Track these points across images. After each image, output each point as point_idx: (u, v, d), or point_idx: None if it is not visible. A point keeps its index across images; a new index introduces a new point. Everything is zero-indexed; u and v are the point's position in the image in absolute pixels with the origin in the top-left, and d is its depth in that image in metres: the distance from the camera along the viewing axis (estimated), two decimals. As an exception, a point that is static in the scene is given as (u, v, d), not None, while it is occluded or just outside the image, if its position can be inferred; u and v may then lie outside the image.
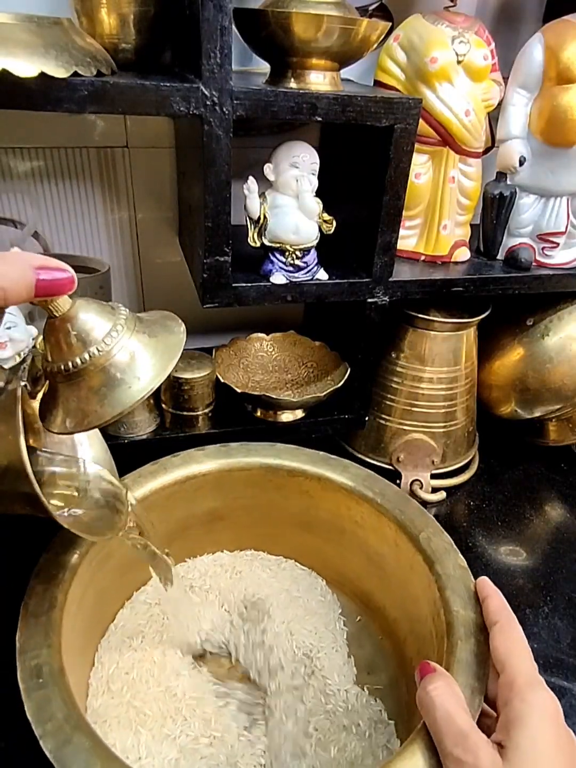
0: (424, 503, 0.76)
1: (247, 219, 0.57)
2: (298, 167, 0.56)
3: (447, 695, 0.34)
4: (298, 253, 0.58)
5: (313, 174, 0.57)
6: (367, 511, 0.53)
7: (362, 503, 0.53)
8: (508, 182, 0.67)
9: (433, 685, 0.35)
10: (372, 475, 0.55)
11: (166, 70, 0.55)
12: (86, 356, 0.32)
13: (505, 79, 0.65)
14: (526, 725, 0.32)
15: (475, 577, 0.45)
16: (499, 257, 0.72)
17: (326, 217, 0.59)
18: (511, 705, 0.34)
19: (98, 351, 0.32)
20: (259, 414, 0.69)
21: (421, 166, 0.65)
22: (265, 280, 0.59)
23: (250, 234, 0.58)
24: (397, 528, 0.50)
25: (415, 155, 0.58)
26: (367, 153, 0.59)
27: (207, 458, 0.55)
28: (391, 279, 0.62)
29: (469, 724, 0.33)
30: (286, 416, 0.69)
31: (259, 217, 0.57)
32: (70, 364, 0.32)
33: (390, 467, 0.78)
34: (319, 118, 0.51)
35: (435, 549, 0.47)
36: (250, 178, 0.55)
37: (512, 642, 0.38)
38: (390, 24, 0.54)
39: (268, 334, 0.76)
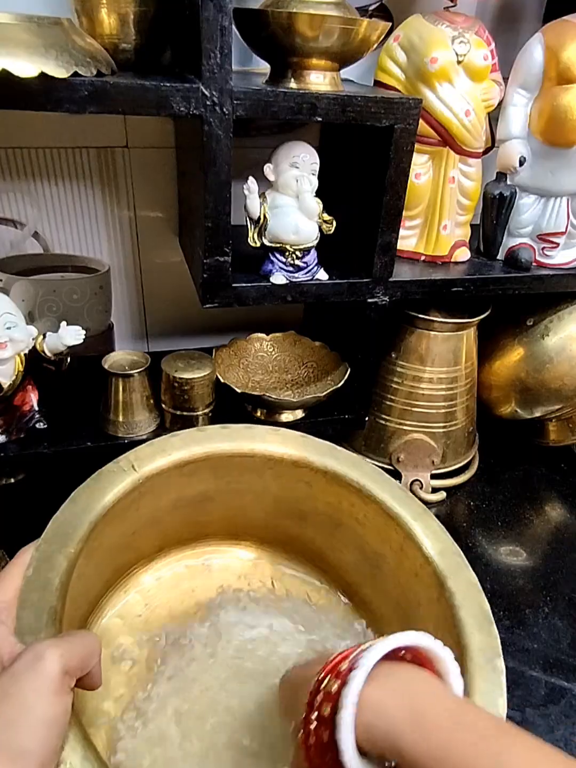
0: (425, 503, 0.76)
1: (247, 219, 0.57)
2: (298, 167, 0.56)
3: None
4: (298, 253, 0.58)
5: (313, 174, 0.57)
6: (373, 510, 0.51)
7: (369, 502, 0.51)
8: (508, 182, 0.67)
9: None
10: (383, 474, 0.53)
11: (166, 70, 0.55)
12: None
13: (505, 79, 0.65)
14: None
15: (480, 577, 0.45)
16: (499, 257, 0.72)
17: (326, 217, 0.59)
18: None
19: None
20: (259, 414, 0.69)
21: (421, 166, 0.65)
22: (265, 280, 0.59)
23: (250, 234, 0.58)
24: (406, 534, 0.49)
25: (415, 155, 0.58)
26: (367, 153, 0.59)
27: (208, 440, 0.52)
28: (391, 279, 0.62)
29: None
30: (286, 416, 0.69)
31: (259, 217, 0.57)
32: None
33: (390, 467, 0.78)
34: (319, 118, 0.51)
35: (448, 564, 0.46)
36: (250, 178, 0.55)
37: None
38: (390, 24, 0.54)
39: (268, 334, 0.76)
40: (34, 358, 0.58)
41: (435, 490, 0.77)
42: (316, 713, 0.31)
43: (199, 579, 0.57)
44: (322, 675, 0.32)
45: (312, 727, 0.31)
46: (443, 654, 0.33)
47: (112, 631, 0.51)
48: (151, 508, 0.51)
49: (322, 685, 0.32)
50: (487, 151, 0.68)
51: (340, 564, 0.57)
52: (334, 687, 0.30)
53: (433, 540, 0.48)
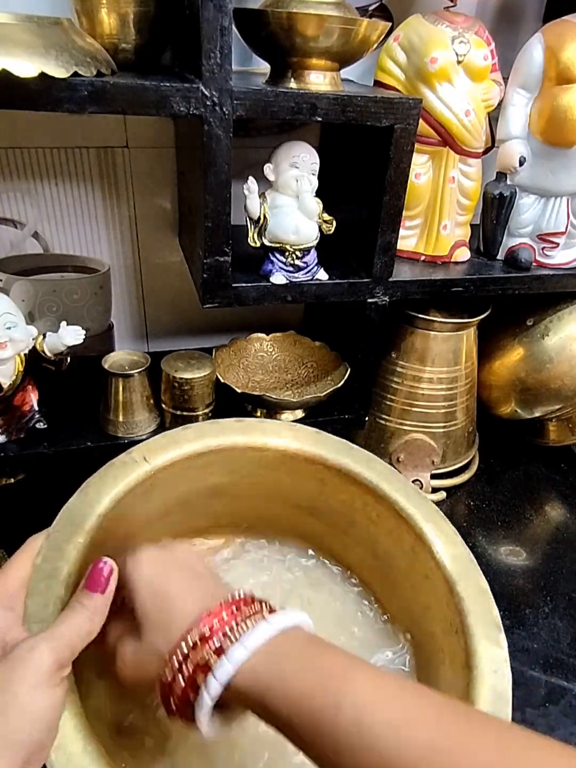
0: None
1: (247, 219, 0.57)
2: (298, 167, 0.56)
3: None
4: (298, 253, 0.58)
5: (313, 174, 0.57)
6: (386, 511, 0.51)
7: (382, 501, 0.51)
8: (508, 182, 0.67)
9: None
10: (396, 473, 0.53)
11: (166, 70, 0.55)
12: None
13: (505, 79, 0.65)
14: None
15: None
16: (499, 257, 0.72)
17: (326, 217, 0.59)
18: None
19: None
20: (259, 414, 0.69)
21: (421, 166, 0.65)
22: (265, 280, 0.59)
23: (250, 234, 0.58)
24: (417, 536, 0.48)
25: (415, 155, 0.58)
26: (367, 153, 0.59)
27: (221, 434, 0.51)
28: (391, 279, 0.62)
29: None
30: (286, 416, 0.69)
31: (259, 217, 0.57)
32: None
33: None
34: (319, 118, 0.51)
35: (459, 570, 0.46)
36: (250, 178, 0.55)
37: None
38: (390, 24, 0.54)
39: (268, 334, 0.76)
40: (34, 358, 0.58)
41: (435, 490, 0.77)
42: (181, 675, 0.32)
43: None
44: (187, 634, 0.33)
45: (175, 679, 0.33)
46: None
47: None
48: (162, 500, 0.51)
49: (192, 649, 0.32)
50: (487, 151, 0.68)
51: (352, 561, 0.57)
52: (211, 660, 0.32)
53: (445, 543, 0.47)
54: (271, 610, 0.35)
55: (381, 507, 0.51)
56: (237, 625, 0.33)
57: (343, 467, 0.52)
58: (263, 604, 0.35)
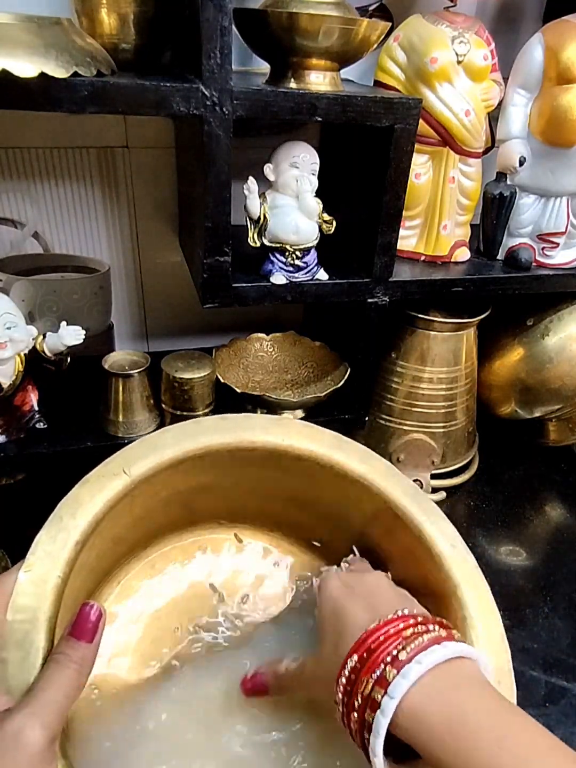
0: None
1: (247, 219, 0.57)
2: (298, 167, 0.56)
3: None
4: (298, 253, 0.58)
5: (313, 174, 0.57)
6: (382, 509, 0.49)
7: (377, 500, 0.49)
8: (508, 182, 0.67)
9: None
10: (392, 468, 0.51)
11: (166, 70, 0.55)
12: None
13: (505, 79, 0.65)
14: None
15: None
16: (499, 257, 0.72)
17: (326, 217, 0.59)
18: None
19: None
20: (258, 414, 0.69)
21: (421, 166, 0.65)
22: (265, 280, 0.59)
23: (250, 234, 0.58)
24: (415, 537, 0.47)
25: (415, 155, 0.58)
26: (367, 153, 0.59)
27: (203, 434, 0.47)
28: (391, 279, 0.62)
29: None
30: (286, 416, 0.69)
31: (259, 217, 0.57)
32: None
33: (390, 467, 0.78)
34: (319, 118, 0.51)
35: (463, 574, 0.44)
36: (250, 178, 0.55)
37: None
38: (390, 24, 0.54)
39: (268, 334, 0.76)
40: (34, 358, 0.58)
41: (435, 490, 0.77)
42: (354, 712, 0.31)
43: (194, 571, 0.55)
44: (352, 659, 0.32)
45: (350, 717, 0.31)
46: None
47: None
48: (145, 508, 0.49)
49: (358, 682, 0.31)
50: (487, 151, 0.68)
51: (341, 553, 0.56)
52: (378, 696, 0.30)
53: (444, 544, 0.46)
54: (445, 627, 0.33)
55: (376, 505, 0.49)
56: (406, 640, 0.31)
57: (335, 463, 0.49)
58: (435, 626, 0.33)
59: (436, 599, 0.44)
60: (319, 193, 0.58)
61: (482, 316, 0.73)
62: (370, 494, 0.49)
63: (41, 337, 0.58)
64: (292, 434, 0.50)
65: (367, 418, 0.74)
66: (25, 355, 0.57)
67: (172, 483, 0.49)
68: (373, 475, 0.49)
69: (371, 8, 0.68)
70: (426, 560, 0.46)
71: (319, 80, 0.52)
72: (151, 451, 0.45)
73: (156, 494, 0.49)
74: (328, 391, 0.66)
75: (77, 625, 0.32)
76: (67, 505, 0.41)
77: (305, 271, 0.59)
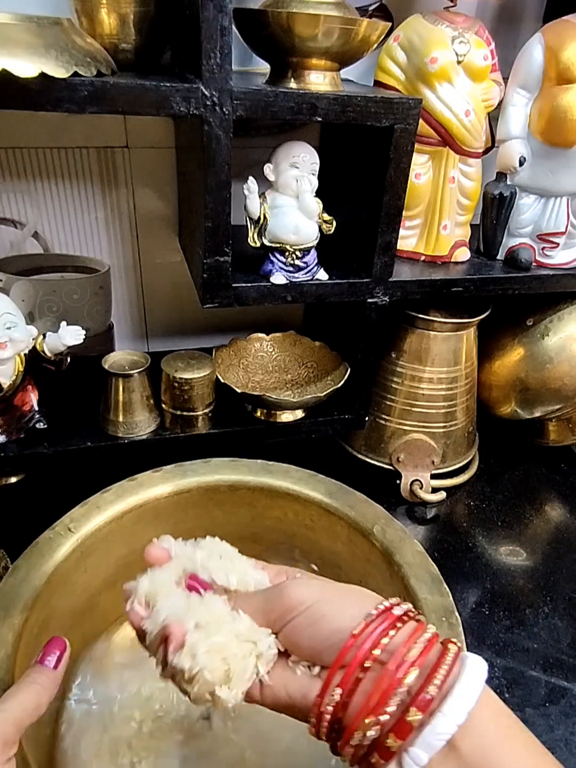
0: (424, 503, 0.76)
1: (247, 219, 0.57)
2: (298, 167, 0.56)
3: None
4: (298, 253, 0.58)
5: (313, 174, 0.57)
6: (316, 512, 0.53)
7: (310, 505, 0.53)
8: (508, 182, 0.67)
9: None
10: (315, 475, 0.55)
11: (166, 70, 0.55)
12: None
13: (505, 79, 0.65)
14: None
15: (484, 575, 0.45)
16: (499, 257, 0.72)
17: (326, 217, 0.59)
18: None
19: None
20: (259, 414, 0.69)
21: (421, 166, 0.65)
22: (265, 280, 0.59)
23: (250, 234, 0.58)
24: (348, 524, 0.50)
25: (415, 155, 0.58)
26: (367, 153, 0.59)
27: (140, 487, 0.52)
28: (391, 279, 0.62)
29: None
30: (286, 416, 0.69)
31: (259, 217, 0.57)
32: None
33: (390, 467, 0.78)
34: (319, 118, 0.51)
35: (391, 540, 0.48)
36: (250, 178, 0.55)
37: None
38: (390, 24, 0.54)
39: (268, 334, 0.76)
40: (34, 358, 0.58)
41: (435, 490, 0.77)
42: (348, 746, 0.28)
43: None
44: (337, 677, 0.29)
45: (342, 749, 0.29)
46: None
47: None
48: (101, 567, 0.51)
49: (353, 722, 0.28)
50: (487, 151, 0.68)
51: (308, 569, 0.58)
52: (393, 744, 0.27)
53: (374, 522, 0.50)
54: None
55: (311, 510, 0.53)
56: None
57: (265, 484, 0.54)
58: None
59: (378, 568, 0.49)
60: (319, 193, 0.58)
61: (482, 316, 0.73)
62: (301, 503, 0.53)
63: (41, 337, 0.58)
64: (221, 469, 0.56)
65: (367, 418, 0.74)
66: (25, 355, 0.57)
67: (122, 539, 0.52)
68: (299, 484, 0.54)
69: (371, 8, 0.68)
70: (362, 542, 0.50)
71: (319, 80, 0.52)
72: (94, 509, 0.50)
73: (108, 551, 0.51)
74: (328, 391, 0.66)
75: (44, 654, 0.36)
76: (21, 565, 0.44)
77: (305, 271, 0.59)
